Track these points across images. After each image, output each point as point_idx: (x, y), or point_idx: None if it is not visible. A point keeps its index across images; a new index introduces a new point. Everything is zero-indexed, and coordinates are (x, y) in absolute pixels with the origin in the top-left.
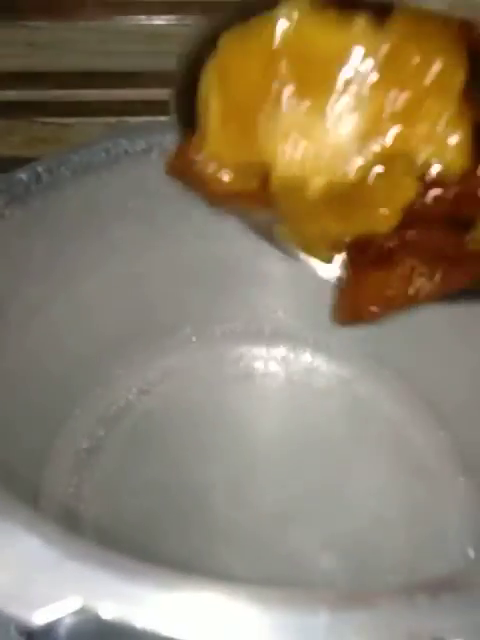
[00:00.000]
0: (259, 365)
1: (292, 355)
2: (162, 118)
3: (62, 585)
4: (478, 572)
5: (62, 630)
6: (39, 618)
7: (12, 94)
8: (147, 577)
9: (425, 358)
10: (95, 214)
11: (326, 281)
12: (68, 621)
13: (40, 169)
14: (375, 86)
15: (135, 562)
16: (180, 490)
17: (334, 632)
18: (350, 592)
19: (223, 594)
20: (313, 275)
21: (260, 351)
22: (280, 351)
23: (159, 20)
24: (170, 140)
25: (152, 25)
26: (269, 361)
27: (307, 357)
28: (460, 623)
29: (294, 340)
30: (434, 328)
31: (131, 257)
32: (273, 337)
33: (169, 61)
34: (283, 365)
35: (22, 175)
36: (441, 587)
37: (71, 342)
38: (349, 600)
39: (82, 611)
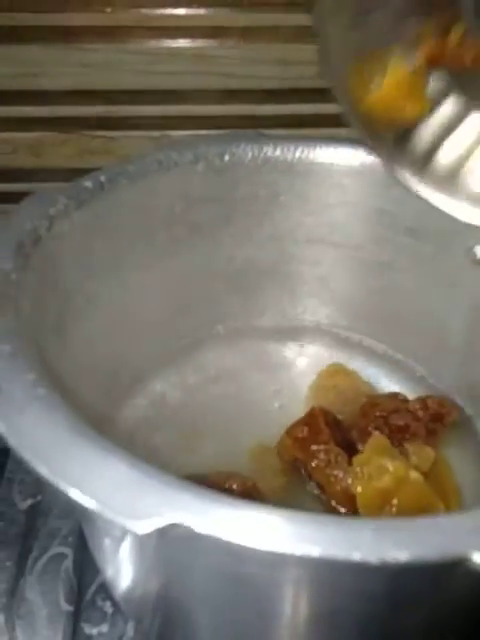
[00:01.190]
0: (289, 362)
1: (322, 353)
2: (201, 132)
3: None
4: None
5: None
6: (142, 528)
7: (65, 110)
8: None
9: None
10: (146, 218)
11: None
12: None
13: (102, 178)
14: None
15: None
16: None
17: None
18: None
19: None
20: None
21: (291, 349)
22: (310, 349)
23: (200, 43)
24: (214, 152)
25: (193, 48)
26: (299, 358)
27: (334, 355)
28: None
29: (323, 339)
30: None
31: (174, 257)
32: (302, 335)
33: (208, 80)
34: (312, 362)
35: (88, 183)
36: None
37: (115, 337)
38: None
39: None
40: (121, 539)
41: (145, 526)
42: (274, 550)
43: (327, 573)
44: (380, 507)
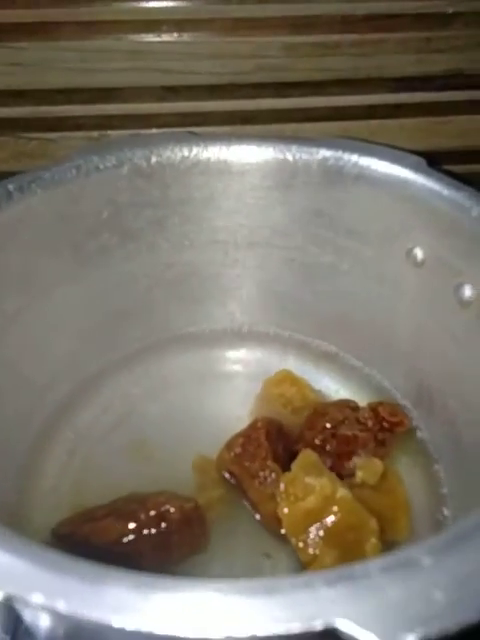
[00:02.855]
0: (233, 366)
1: (269, 359)
2: (142, 131)
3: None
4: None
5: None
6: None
7: None
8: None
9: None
10: (68, 227)
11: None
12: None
13: (11, 187)
14: None
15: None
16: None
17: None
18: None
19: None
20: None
21: (235, 353)
22: (251, 353)
23: (135, 38)
24: (139, 156)
25: (130, 42)
26: (245, 365)
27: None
28: (351, 608)
29: (270, 344)
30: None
31: (106, 266)
32: (248, 341)
33: (147, 76)
34: (259, 369)
35: None
36: (339, 577)
37: (48, 351)
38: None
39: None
40: None
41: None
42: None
43: None
44: (307, 528)
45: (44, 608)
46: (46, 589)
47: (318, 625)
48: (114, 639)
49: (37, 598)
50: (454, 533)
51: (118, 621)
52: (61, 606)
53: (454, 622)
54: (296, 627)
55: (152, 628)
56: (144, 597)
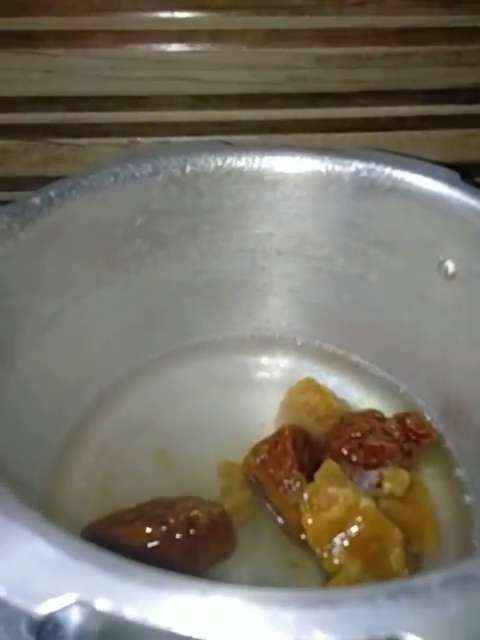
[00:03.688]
0: (258, 373)
1: (294, 367)
2: (171, 139)
3: (63, 582)
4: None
5: (69, 627)
6: (42, 610)
7: (30, 117)
8: (138, 576)
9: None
10: (104, 233)
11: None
12: (74, 619)
13: (52, 193)
14: None
15: (129, 563)
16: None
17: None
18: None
19: (200, 593)
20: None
21: (263, 364)
22: (277, 361)
23: (167, 47)
24: (174, 164)
25: (161, 51)
26: (271, 372)
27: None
28: (414, 622)
29: (296, 353)
30: None
31: (137, 272)
32: (274, 349)
33: (177, 85)
34: (285, 377)
35: (36, 200)
36: (400, 590)
37: (79, 354)
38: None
39: (79, 605)
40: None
41: (45, 607)
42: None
43: None
44: (331, 538)
45: (99, 612)
46: (111, 594)
47: (382, 638)
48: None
49: (103, 604)
50: None
51: (180, 628)
52: (128, 612)
53: None
54: None
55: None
56: (206, 604)
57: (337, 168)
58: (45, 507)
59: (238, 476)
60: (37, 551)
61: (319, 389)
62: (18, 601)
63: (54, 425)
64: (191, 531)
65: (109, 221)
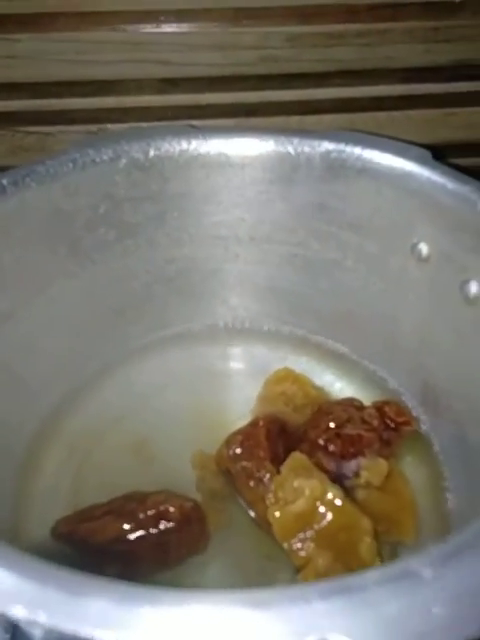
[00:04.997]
0: (234, 363)
1: (271, 355)
2: (142, 124)
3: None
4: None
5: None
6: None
7: None
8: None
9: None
10: (65, 222)
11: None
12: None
13: (5, 182)
14: None
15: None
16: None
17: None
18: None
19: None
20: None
21: (236, 350)
22: (253, 350)
23: (133, 28)
24: (137, 149)
25: (127, 33)
26: (248, 361)
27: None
28: (347, 623)
29: (273, 341)
30: None
31: (104, 262)
32: (251, 338)
33: (145, 68)
34: (261, 365)
35: None
36: (334, 589)
37: (44, 350)
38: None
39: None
40: None
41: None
42: None
43: None
44: (297, 531)
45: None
46: (28, 601)
47: None
48: None
49: (19, 611)
50: (455, 543)
51: (101, 636)
52: (42, 619)
53: (453, 638)
54: None
55: None
56: (129, 611)
57: (306, 149)
58: (13, 506)
59: (212, 467)
60: None
61: (297, 378)
62: None
63: (18, 423)
64: (161, 525)
65: (70, 209)
